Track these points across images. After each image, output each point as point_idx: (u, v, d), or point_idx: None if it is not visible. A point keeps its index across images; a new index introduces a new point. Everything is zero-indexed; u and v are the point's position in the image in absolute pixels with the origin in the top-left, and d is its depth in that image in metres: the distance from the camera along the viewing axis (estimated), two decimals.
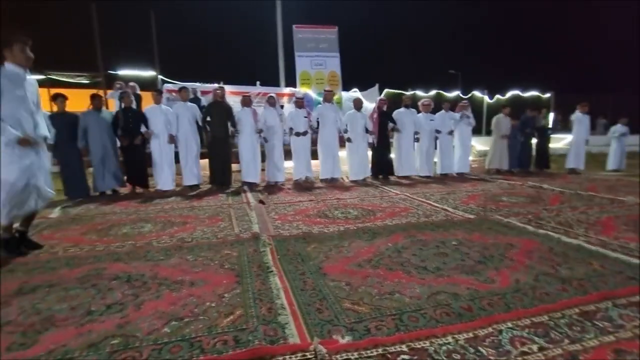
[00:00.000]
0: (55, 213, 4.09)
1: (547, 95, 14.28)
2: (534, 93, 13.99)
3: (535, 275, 2.17)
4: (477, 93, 14.35)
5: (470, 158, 9.20)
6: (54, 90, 9.48)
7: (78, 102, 7.19)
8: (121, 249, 2.80)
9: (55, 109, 5.08)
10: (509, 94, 13.85)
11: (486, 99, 14.42)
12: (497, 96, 13.96)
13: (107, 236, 3.19)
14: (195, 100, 7.94)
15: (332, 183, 6.03)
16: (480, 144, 11.20)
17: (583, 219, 3.49)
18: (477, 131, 13.78)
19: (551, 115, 12.24)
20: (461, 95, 13.60)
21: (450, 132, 6.73)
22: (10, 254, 2.66)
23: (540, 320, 1.66)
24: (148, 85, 9.44)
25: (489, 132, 7.63)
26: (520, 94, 13.96)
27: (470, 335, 1.54)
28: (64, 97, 5.03)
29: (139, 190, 5.42)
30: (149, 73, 9.92)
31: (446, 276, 2.18)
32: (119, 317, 1.75)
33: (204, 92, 8.62)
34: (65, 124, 4.86)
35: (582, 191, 5.01)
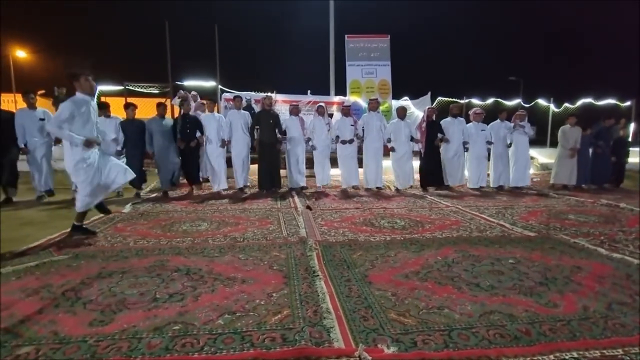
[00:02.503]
0: (127, 209, 4.57)
1: (627, 103, 12.69)
2: (610, 101, 12.53)
3: (608, 304, 1.95)
4: (541, 101, 13.21)
5: (532, 171, 8.50)
6: (130, 99, 10.65)
7: (149, 109, 8.05)
8: (182, 244, 3.05)
9: (126, 116, 5.71)
10: (579, 102, 12.56)
11: (552, 107, 13.21)
12: (565, 104, 12.71)
13: (169, 231, 3.49)
14: (249, 108, 8.41)
15: (377, 192, 5.97)
16: (543, 157, 10.29)
17: None
18: (541, 142, 12.68)
19: (631, 126, 10.89)
20: (522, 103, 12.64)
21: (509, 144, 6.30)
22: (84, 234, 3.34)
23: (613, 354, 1.49)
24: (209, 94, 10.18)
25: (553, 144, 7.00)
26: (593, 102, 12.59)
27: None
28: (134, 106, 5.72)
29: (195, 190, 5.86)
30: (210, 83, 10.71)
31: (501, 295, 2.05)
32: (179, 306, 1.92)
33: (256, 101, 9.09)
34: (134, 129, 5.51)
35: None
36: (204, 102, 6.41)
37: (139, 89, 11.37)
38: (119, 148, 5.46)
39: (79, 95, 3.21)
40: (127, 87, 10.95)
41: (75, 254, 2.79)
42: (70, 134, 3.11)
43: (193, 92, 8.95)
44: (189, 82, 10.55)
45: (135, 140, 5.49)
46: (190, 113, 6.02)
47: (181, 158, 5.79)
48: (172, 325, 1.72)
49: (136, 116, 5.71)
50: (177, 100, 8.48)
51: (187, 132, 5.62)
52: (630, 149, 7.04)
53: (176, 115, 6.72)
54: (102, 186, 3.35)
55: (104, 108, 5.67)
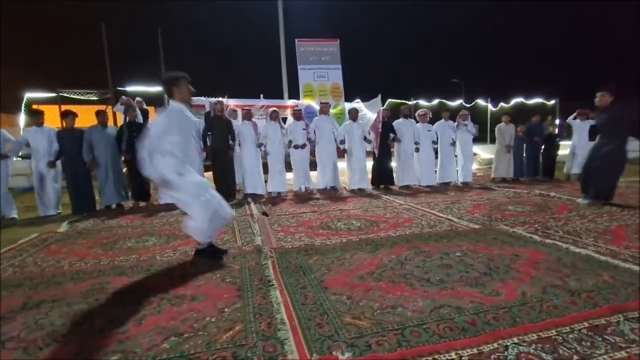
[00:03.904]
0: (63, 228, 4.14)
1: (552, 102, 14.17)
2: (538, 100, 13.91)
3: (543, 288, 2.12)
4: (480, 101, 14.31)
5: (475, 167, 9.12)
6: (65, 107, 9.73)
7: (87, 118, 7.38)
8: (125, 263, 2.82)
9: (64, 125, 5.20)
10: (513, 102, 13.79)
11: (489, 107, 14.36)
12: (501, 104, 13.91)
13: (112, 250, 3.21)
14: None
15: (332, 193, 6.04)
16: (485, 153, 11.12)
17: (592, 228, 3.41)
18: (482, 139, 13.70)
19: (557, 122, 12.12)
20: (464, 104, 13.58)
21: (453, 143, 6.70)
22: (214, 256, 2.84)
23: (548, 335, 1.61)
24: (155, 100, 9.63)
25: (494, 140, 7.60)
26: (524, 101, 13.89)
27: (475, 351, 1.50)
28: (74, 115, 5.17)
29: (142, 204, 5.48)
30: (155, 88, 10.13)
31: (450, 289, 2.14)
32: (119, 333, 1.75)
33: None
34: (73, 140, 5.00)
35: None
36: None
37: (76, 96, 10.43)
38: (51, 159, 4.98)
39: (174, 104, 2.72)
40: (60, 94, 9.99)
41: None
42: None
43: (138, 98, 8.38)
44: (132, 88, 9.89)
45: (75, 152, 5.01)
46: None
47: (128, 170, 5.39)
48: (109, 355, 1.56)
49: (74, 126, 5.21)
50: (119, 107, 7.89)
51: (134, 141, 5.25)
52: (561, 143, 7.82)
53: (120, 123, 6.27)
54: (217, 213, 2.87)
55: (36, 116, 5.17)
